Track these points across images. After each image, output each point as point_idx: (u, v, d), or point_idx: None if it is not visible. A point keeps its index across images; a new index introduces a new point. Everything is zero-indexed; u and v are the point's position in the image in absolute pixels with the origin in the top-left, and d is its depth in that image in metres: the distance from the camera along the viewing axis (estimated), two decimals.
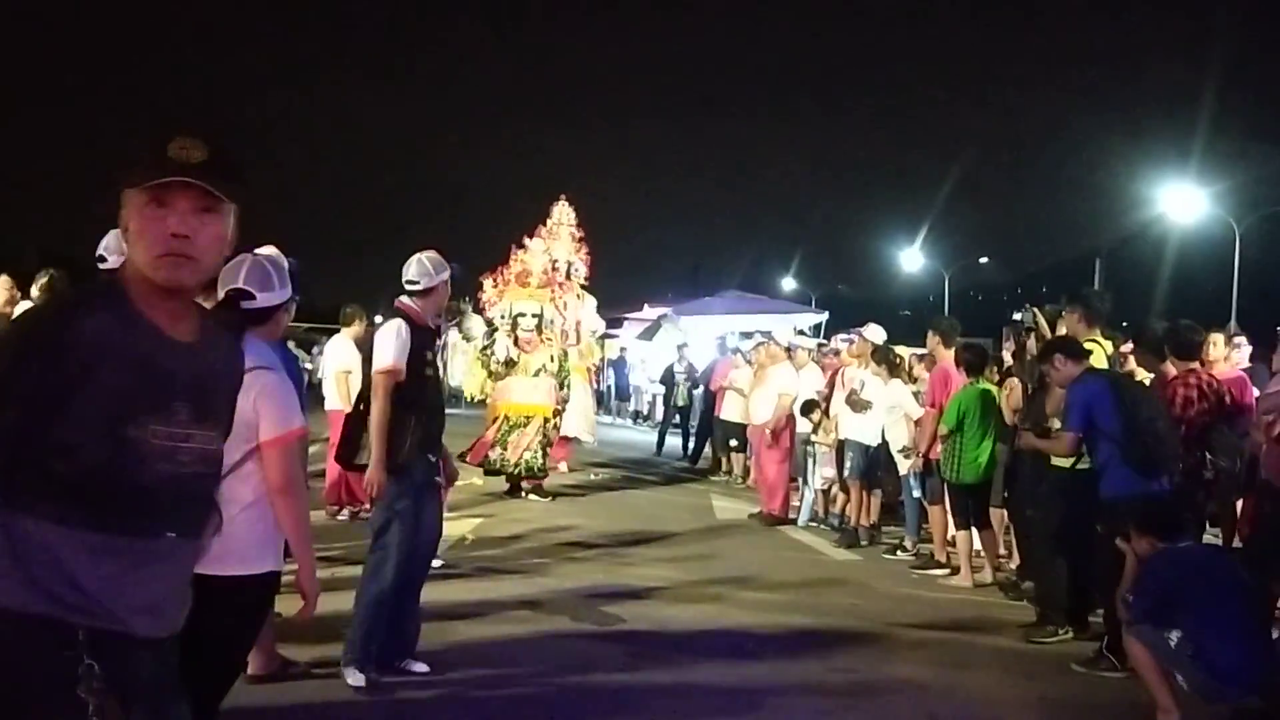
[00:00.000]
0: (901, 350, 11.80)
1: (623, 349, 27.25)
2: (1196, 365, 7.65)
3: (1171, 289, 48.11)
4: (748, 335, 18.41)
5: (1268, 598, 6.17)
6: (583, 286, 13.48)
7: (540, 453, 12.40)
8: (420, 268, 5.84)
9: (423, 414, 5.65)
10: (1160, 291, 48.76)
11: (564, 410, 13.13)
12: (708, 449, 17.41)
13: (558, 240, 13.34)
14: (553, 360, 12.67)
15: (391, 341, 5.61)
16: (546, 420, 12.57)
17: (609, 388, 27.63)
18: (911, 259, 58.11)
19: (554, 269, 13.18)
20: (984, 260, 62.00)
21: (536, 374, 12.58)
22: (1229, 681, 5.26)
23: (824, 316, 23.29)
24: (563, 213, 13.48)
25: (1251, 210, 42.14)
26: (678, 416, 19.67)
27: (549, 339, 12.72)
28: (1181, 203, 39.36)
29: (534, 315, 12.73)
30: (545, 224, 13.49)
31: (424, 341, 5.79)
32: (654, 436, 20.72)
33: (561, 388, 12.84)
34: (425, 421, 5.66)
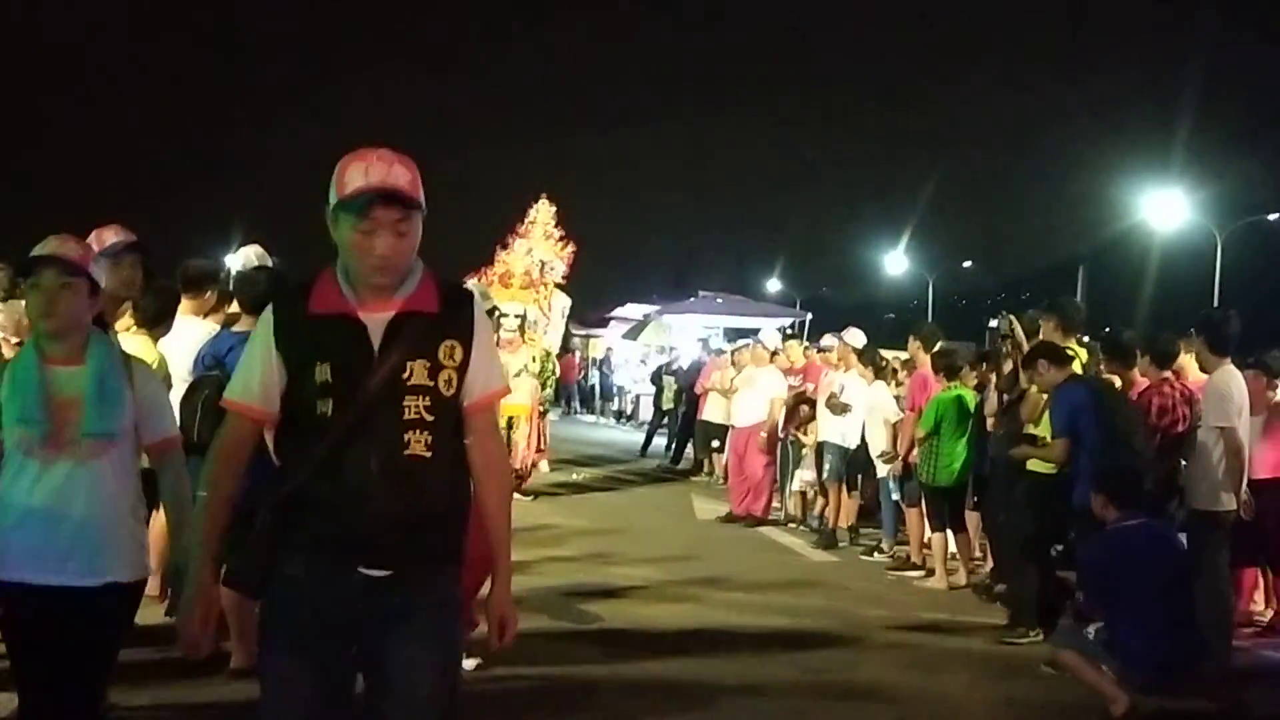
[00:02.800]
0: (886, 354, 11.94)
1: (609, 349, 27.37)
2: (1170, 374, 7.80)
3: (1153, 295, 48.40)
4: (740, 334, 18.56)
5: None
6: (559, 285, 13.56)
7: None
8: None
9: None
10: (1142, 297, 49.06)
11: (547, 411, 13.22)
12: (690, 450, 17.52)
13: (533, 239, 13.39)
14: (534, 360, 12.67)
15: None
16: (528, 420, 12.69)
17: (594, 387, 27.75)
18: (896, 262, 58.39)
19: (543, 269, 13.27)
20: (967, 264, 62.30)
21: (517, 375, 12.66)
22: (1145, 670, 5.44)
23: (807, 317, 23.44)
24: (540, 211, 13.53)
25: (1233, 217, 42.48)
26: (665, 418, 19.77)
27: (532, 339, 12.80)
28: (1163, 209, 39.67)
29: (516, 316, 12.81)
30: (522, 223, 13.57)
31: None
32: (637, 436, 20.83)
33: (544, 388, 12.90)
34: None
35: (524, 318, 12.77)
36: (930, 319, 42.27)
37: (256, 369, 2.80)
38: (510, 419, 12.45)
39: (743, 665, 6.60)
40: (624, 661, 6.47)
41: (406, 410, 2.71)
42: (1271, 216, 46.79)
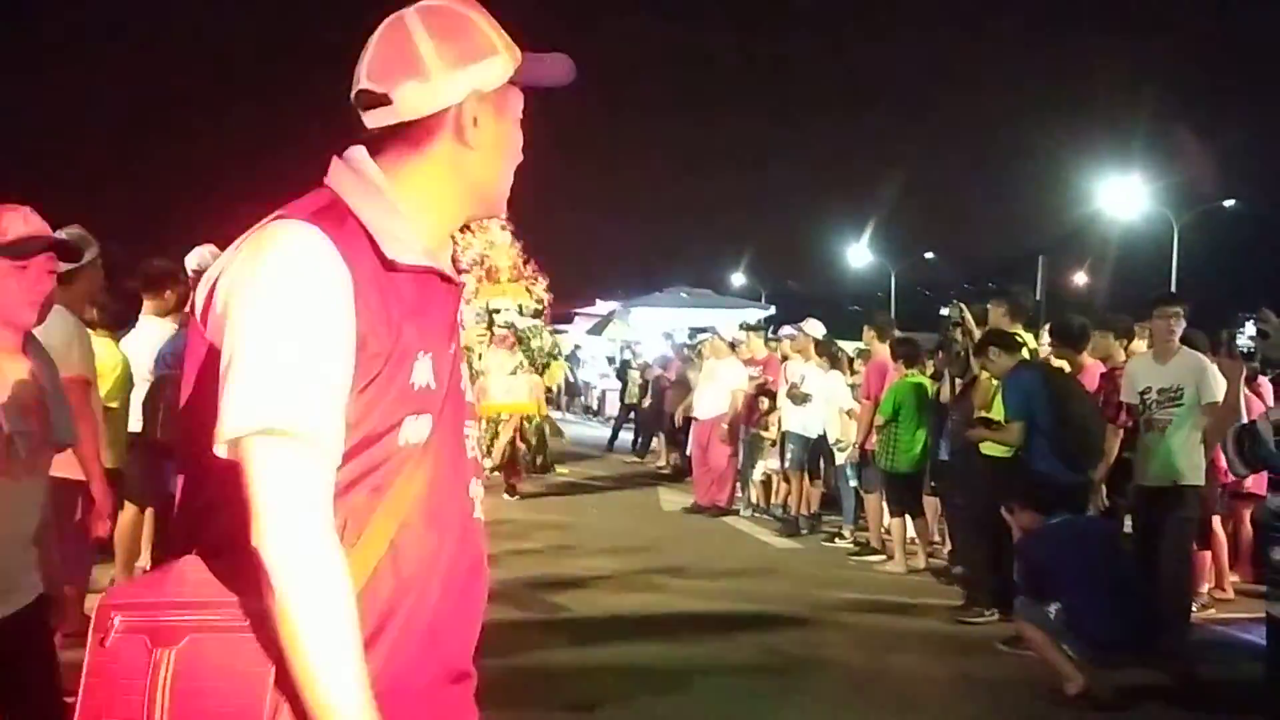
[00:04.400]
0: (846, 345, 12.12)
1: (576, 345, 27.43)
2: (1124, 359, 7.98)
3: (1112, 283, 48.93)
4: (700, 330, 18.65)
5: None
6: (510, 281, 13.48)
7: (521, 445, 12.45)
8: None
9: None
10: (1101, 285, 49.59)
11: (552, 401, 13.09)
12: (655, 443, 17.68)
13: (486, 233, 13.27)
14: (529, 351, 12.67)
15: None
16: (529, 418, 12.60)
17: (560, 383, 27.79)
18: (859, 255, 58.74)
19: (523, 262, 13.14)
20: (929, 256, 62.68)
21: (514, 372, 12.52)
22: (1105, 646, 5.64)
23: (770, 311, 23.60)
24: None
25: (1190, 206, 42.99)
26: (631, 412, 19.88)
27: (527, 333, 12.73)
28: (1121, 198, 40.11)
29: (507, 310, 12.65)
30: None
31: None
32: (605, 431, 20.95)
33: (542, 375, 12.93)
34: None
35: (516, 312, 12.68)
36: (893, 310, 42.51)
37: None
38: (507, 415, 12.26)
39: (706, 649, 6.72)
40: (589, 648, 6.58)
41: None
42: (1227, 203, 47.41)
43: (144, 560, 6.78)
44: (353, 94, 1.69)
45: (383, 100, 1.65)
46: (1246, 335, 8.72)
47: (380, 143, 1.69)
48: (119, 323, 6.14)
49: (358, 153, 1.70)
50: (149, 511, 6.57)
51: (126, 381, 5.99)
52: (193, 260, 7.21)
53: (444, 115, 1.67)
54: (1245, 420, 4.31)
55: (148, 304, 6.68)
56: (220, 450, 1.51)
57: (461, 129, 1.68)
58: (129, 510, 6.89)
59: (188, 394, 1.65)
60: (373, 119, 1.67)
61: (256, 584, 1.47)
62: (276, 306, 1.52)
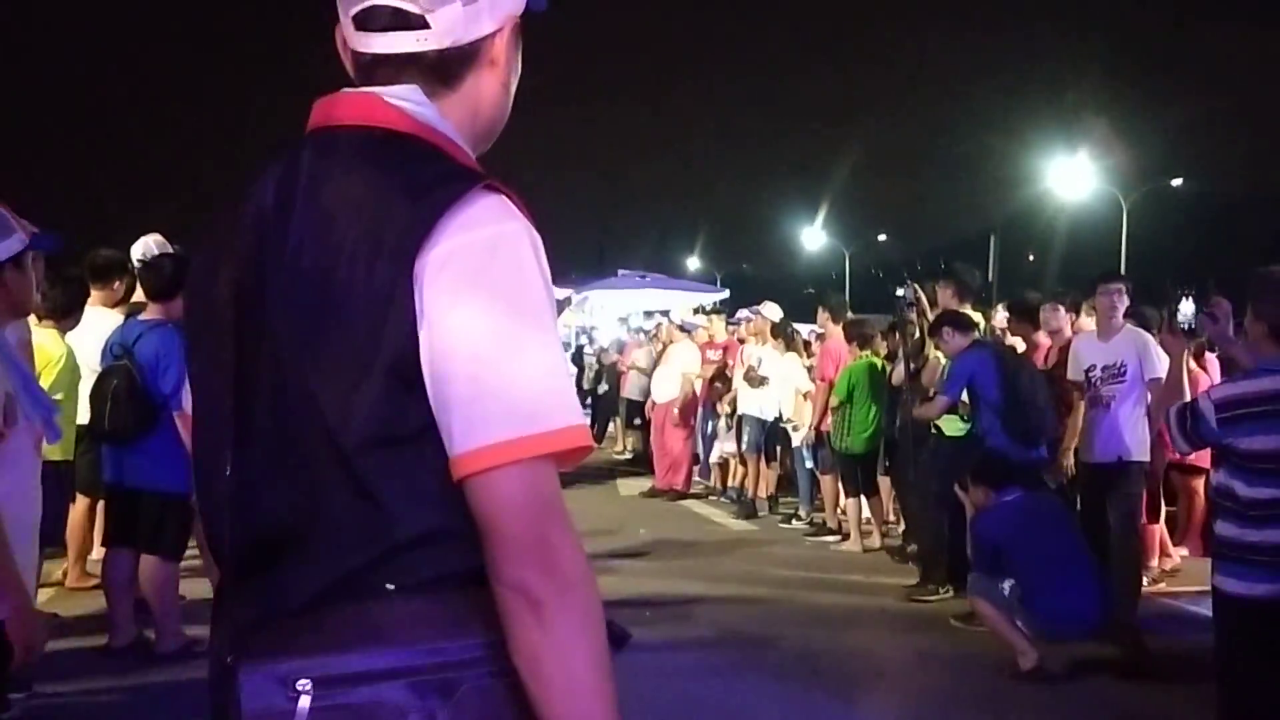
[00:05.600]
0: (801, 328, 12.18)
1: None
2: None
3: (1063, 262, 49.50)
4: (650, 314, 18.65)
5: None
6: None
7: None
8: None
9: None
10: (1052, 264, 50.14)
11: None
12: (612, 427, 17.68)
13: None
14: None
15: None
16: None
17: None
18: (813, 237, 59.06)
19: None
20: (882, 238, 63.21)
21: None
22: (1058, 621, 5.74)
23: (724, 294, 23.61)
24: None
25: (1138, 185, 43.54)
26: (588, 398, 19.86)
27: None
28: (1069, 178, 40.56)
29: None
30: None
31: None
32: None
33: None
34: None
35: None
36: (847, 292, 42.77)
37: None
38: None
39: (663, 630, 6.72)
40: None
41: None
42: (1175, 182, 48.06)
43: (96, 554, 6.71)
44: (357, 11, 1.45)
45: (417, 22, 1.43)
46: (1185, 312, 8.84)
47: (395, 75, 1.45)
48: (64, 312, 6.05)
49: (413, 93, 1.45)
50: (100, 505, 6.50)
51: (72, 373, 5.91)
52: (138, 250, 7.12)
53: (481, 43, 1.47)
54: (1189, 396, 4.37)
55: (95, 294, 6.59)
56: (467, 470, 1.28)
57: (496, 60, 1.50)
58: (80, 503, 6.82)
59: (371, 401, 1.31)
60: (397, 43, 1.44)
61: (497, 623, 1.30)
62: (526, 299, 1.32)
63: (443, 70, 1.46)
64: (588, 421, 1.40)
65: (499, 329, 1.29)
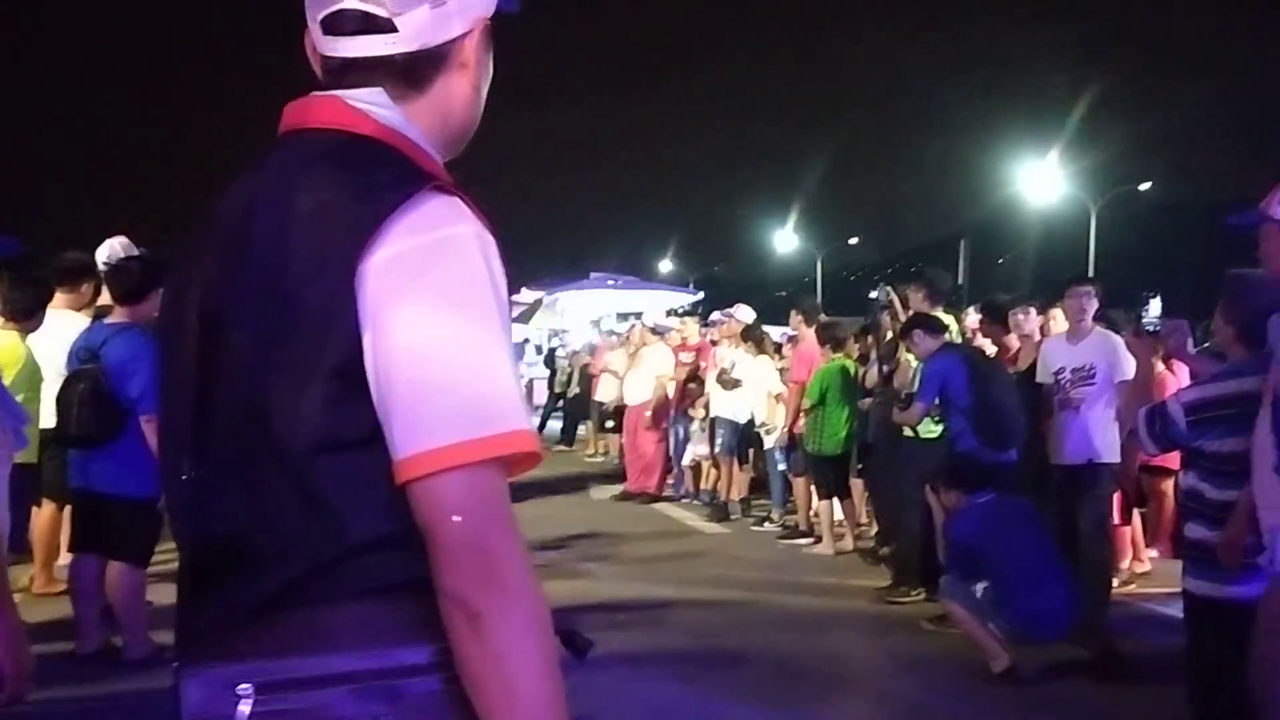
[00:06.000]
0: (773, 330, 12.18)
1: None
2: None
3: (1034, 265, 49.85)
4: (624, 317, 18.61)
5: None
6: None
7: None
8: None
9: None
10: (1023, 267, 50.47)
11: None
12: (584, 430, 17.66)
13: None
14: None
15: None
16: None
17: None
18: (786, 240, 59.21)
19: None
20: (854, 241, 63.46)
21: None
22: (1031, 624, 5.76)
23: (698, 296, 23.64)
24: None
25: (1107, 189, 43.89)
26: (560, 401, 19.79)
27: None
28: (1038, 182, 40.85)
29: None
30: None
31: None
32: (533, 420, 20.82)
33: None
34: None
35: None
36: (820, 294, 42.87)
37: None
38: None
39: (635, 635, 6.70)
40: None
41: None
42: (1142, 187, 48.47)
43: (63, 559, 6.63)
44: (325, 14, 1.43)
45: (385, 26, 1.40)
46: (1152, 314, 8.90)
47: (364, 79, 1.43)
48: (25, 314, 5.98)
49: (377, 96, 1.43)
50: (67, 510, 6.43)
51: (32, 375, 5.84)
52: (104, 253, 7.05)
53: (450, 46, 1.45)
54: (1157, 397, 4.40)
55: (61, 297, 6.52)
56: (408, 475, 1.25)
57: (467, 63, 1.48)
58: (47, 508, 6.75)
59: (315, 405, 1.29)
60: (366, 46, 1.42)
61: (443, 632, 1.27)
62: (474, 302, 1.30)
63: (411, 74, 1.44)
64: (536, 426, 1.37)
65: (443, 331, 1.27)
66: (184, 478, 1.39)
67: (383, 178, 1.34)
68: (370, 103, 1.42)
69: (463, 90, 1.50)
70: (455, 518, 1.25)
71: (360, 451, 1.30)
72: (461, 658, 1.27)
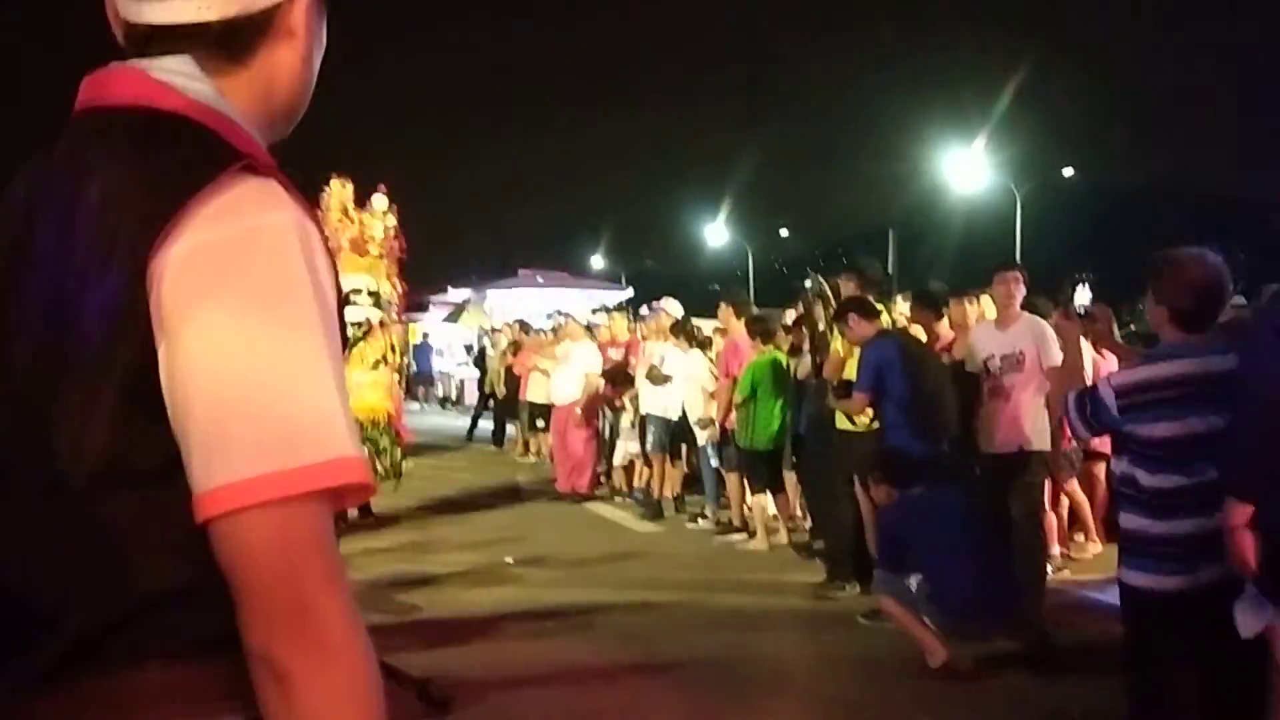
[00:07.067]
0: (706, 324, 12.00)
1: (425, 334, 26.87)
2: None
3: (959, 253, 50.35)
4: (552, 315, 18.36)
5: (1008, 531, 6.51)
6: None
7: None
8: None
9: None
10: (949, 255, 50.96)
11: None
12: (512, 430, 17.41)
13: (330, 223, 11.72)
14: (393, 350, 10.81)
15: None
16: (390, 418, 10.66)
17: (413, 373, 27.30)
18: (716, 233, 59.24)
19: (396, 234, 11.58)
20: (784, 232, 63.71)
21: (376, 365, 10.64)
22: (965, 617, 5.65)
23: (628, 293, 23.50)
24: (334, 193, 10.91)
25: (1031, 176, 44.41)
26: (490, 401, 19.53)
27: (390, 321, 10.84)
28: (964, 170, 41.21)
29: (371, 292, 11.22)
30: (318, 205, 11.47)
31: None
32: (463, 421, 20.57)
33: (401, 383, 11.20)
34: None
35: (378, 295, 10.74)
36: (751, 286, 42.87)
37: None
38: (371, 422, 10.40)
39: (563, 641, 6.53)
40: (442, 649, 6.31)
41: None
42: (1066, 172, 49.14)
43: None
44: None
45: None
46: (1080, 299, 8.87)
47: (173, 49, 1.23)
48: None
49: (185, 65, 1.22)
50: None
51: None
52: None
53: (274, 12, 1.27)
54: (1089, 381, 4.28)
55: None
56: (207, 513, 1.06)
57: (294, 31, 1.30)
58: None
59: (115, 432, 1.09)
60: (175, 11, 1.22)
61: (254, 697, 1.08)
62: (289, 304, 1.10)
63: (229, 42, 1.25)
64: (364, 454, 1.14)
65: (249, 341, 1.07)
66: None
67: (183, 159, 1.13)
68: (177, 73, 1.22)
69: (289, 62, 1.31)
70: (262, 562, 1.05)
71: (157, 485, 1.09)
72: None
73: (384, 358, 10.67)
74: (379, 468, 10.43)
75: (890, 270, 40.47)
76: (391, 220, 10.98)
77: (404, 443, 10.87)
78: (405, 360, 11.20)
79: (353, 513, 10.40)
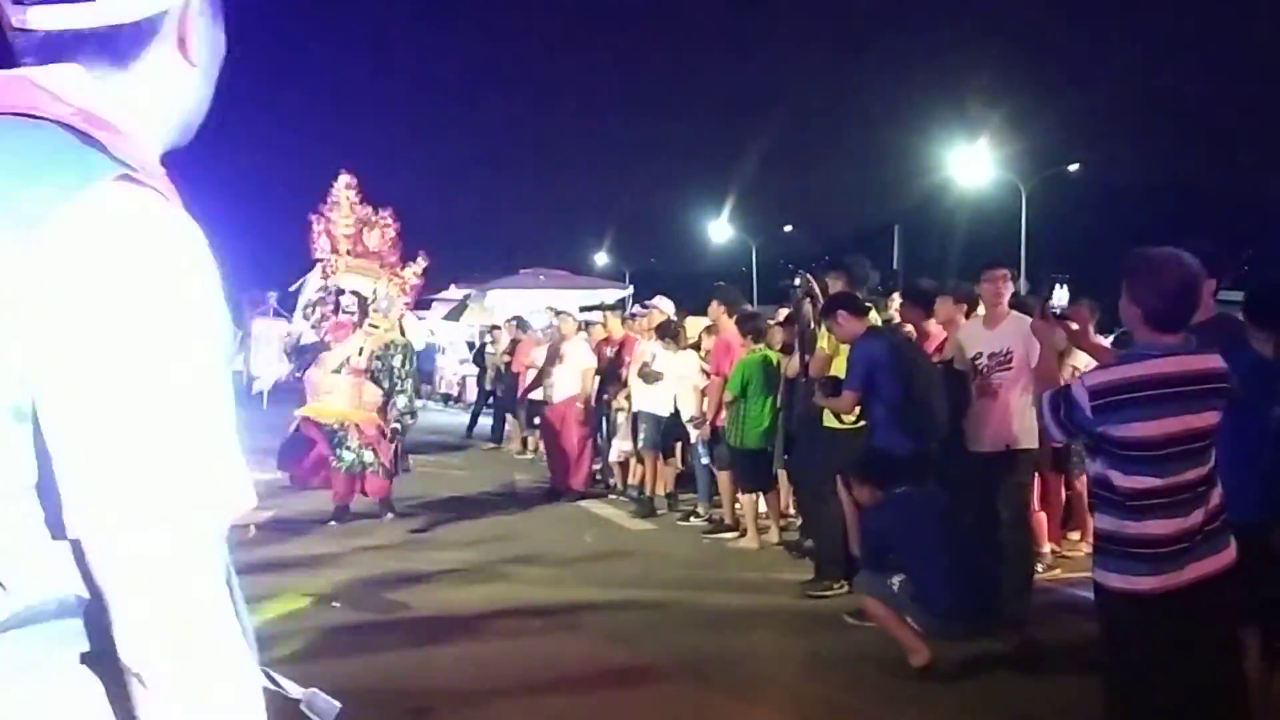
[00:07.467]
0: (690, 321, 11.96)
1: (431, 331, 26.84)
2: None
3: (966, 249, 50.17)
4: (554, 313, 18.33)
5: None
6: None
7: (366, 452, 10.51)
8: None
9: None
10: (954, 252, 50.83)
11: (402, 430, 11.00)
12: (509, 427, 17.40)
13: (338, 214, 11.27)
14: (360, 353, 10.57)
15: None
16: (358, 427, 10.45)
17: (416, 370, 27.29)
18: (720, 231, 59.22)
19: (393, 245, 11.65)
20: (789, 229, 63.61)
21: (338, 370, 10.48)
22: (949, 617, 5.62)
23: (629, 291, 23.46)
24: (341, 189, 11.29)
25: (1037, 171, 44.25)
26: (490, 398, 19.51)
27: (375, 325, 10.75)
28: (969, 166, 41.11)
29: (354, 293, 10.71)
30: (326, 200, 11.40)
31: None
32: (464, 418, 20.57)
33: (397, 392, 10.78)
34: None
35: (372, 298, 10.80)
36: (755, 283, 42.77)
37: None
38: (341, 424, 10.39)
39: (550, 640, 6.52)
40: (428, 647, 6.32)
41: None
42: (1072, 168, 48.95)
43: None
44: None
45: None
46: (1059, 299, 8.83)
47: (59, 55, 1.22)
48: None
49: (69, 73, 1.21)
50: None
51: None
52: None
53: (162, 18, 1.26)
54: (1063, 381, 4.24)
55: None
56: (79, 529, 1.05)
57: (185, 37, 1.29)
58: None
59: None
60: (59, 17, 1.21)
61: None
62: (161, 318, 1.08)
63: (115, 49, 1.24)
64: (243, 465, 1.13)
65: (116, 361, 1.06)
66: None
67: (58, 167, 1.11)
68: (63, 80, 1.21)
69: (180, 69, 1.30)
70: (137, 580, 1.04)
71: (29, 498, 1.07)
72: None
73: (348, 360, 10.44)
74: (342, 467, 10.35)
75: (896, 266, 40.43)
76: (391, 232, 11.09)
77: (370, 442, 10.59)
78: (402, 361, 10.99)
79: (389, 515, 10.57)
